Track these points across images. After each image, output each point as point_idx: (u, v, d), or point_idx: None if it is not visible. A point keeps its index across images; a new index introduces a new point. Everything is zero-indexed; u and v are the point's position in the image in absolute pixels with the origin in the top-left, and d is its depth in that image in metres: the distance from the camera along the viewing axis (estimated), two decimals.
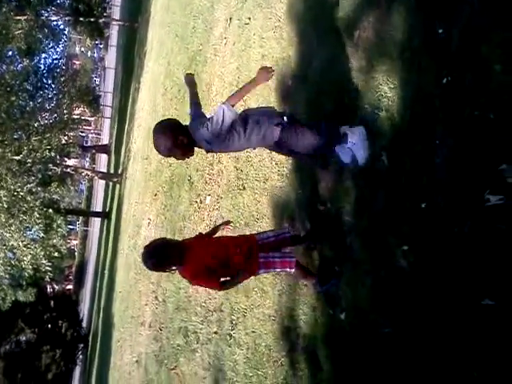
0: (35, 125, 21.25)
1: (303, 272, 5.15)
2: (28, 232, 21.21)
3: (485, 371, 3.27)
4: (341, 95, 5.45)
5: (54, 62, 27.43)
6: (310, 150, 4.82)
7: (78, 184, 53.04)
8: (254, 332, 6.54)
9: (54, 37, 30.31)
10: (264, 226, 6.78)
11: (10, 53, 23.55)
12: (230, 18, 9.90)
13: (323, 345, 5.07)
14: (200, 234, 5.57)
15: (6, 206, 18.75)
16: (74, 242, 69.47)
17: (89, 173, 31.07)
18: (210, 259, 4.76)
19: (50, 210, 21.19)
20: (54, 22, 31.74)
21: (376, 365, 4.29)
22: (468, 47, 3.79)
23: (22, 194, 19.30)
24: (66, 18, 32.05)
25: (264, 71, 4.48)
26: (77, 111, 31.93)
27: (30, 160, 19.99)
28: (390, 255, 4.29)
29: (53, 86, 24.19)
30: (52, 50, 30.57)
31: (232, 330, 7.13)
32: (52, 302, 30.62)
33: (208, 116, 4.63)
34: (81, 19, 31.94)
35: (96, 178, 34.13)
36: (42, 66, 25.72)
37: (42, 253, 20.51)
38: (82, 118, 37.64)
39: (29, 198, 19.66)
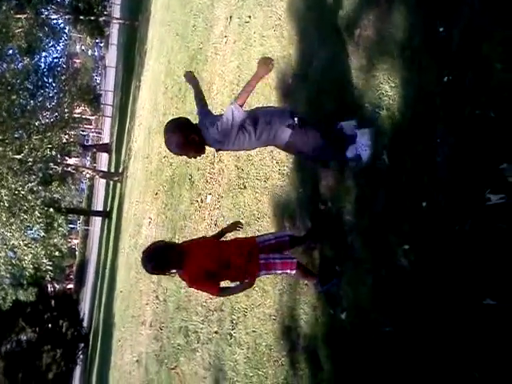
0: (36, 124, 21.22)
1: (304, 273, 5.13)
2: (29, 231, 21.19)
3: (486, 372, 3.26)
4: (341, 94, 5.44)
5: (55, 60, 27.42)
6: (318, 154, 4.84)
7: (78, 183, 53.11)
8: (254, 331, 6.53)
9: (54, 35, 30.23)
10: (265, 225, 6.77)
11: (11, 51, 23.50)
12: (231, 17, 9.89)
13: (324, 344, 5.06)
14: (203, 237, 5.54)
15: (6, 204, 18.73)
16: (75, 241, 69.46)
17: (90, 172, 30.99)
18: (210, 262, 4.75)
19: (51, 209, 21.15)
20: (55, 21, 31.75)
21: (377, 364, 4.29)
22: (469, 46, 3.78)
23: (22, 192, 19.28)
24: (66, 17, 32.05)
25: (263, 64, 4.45)
26: (77, 110, 31.92)
27: (30, 159, 19.98)
28: (390, 254, 4.28)
29: (53, 84, 24.16)
30: (52, 48, 30.57)
31: (232, 329, 7.13)
32: (53, 302, 30.63)
33: (216, 115, 4.64)
34: (81, 18, 31.95)
35: (97, 176, 34.10)
36: (43, 65, 25.70)
37: (43, 252, 20.48)
38: (83, 116, 37.67)
39: (30, 197, 19.64)
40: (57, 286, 46.46)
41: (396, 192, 4.39)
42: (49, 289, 37.36)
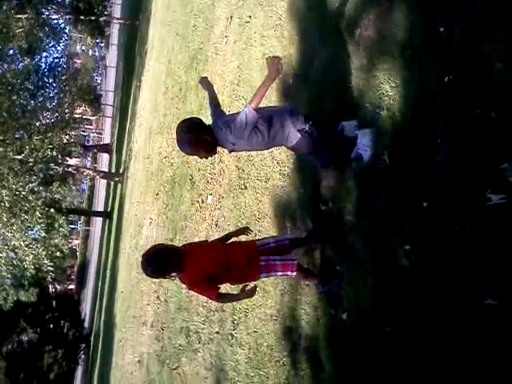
0: (37, 124, 21.23)
1: (305, 274, 5.13)
2: (30, 232, 21.18)
3: (487, 372, 3.26)
4: (342, 94, 5.44)
5: (55, 60, 27.34)
6: (324, 162, 4.91)
7: (79, 183, 53.11)
8: (255, 332, 6.53)
9: (54, 35, 30.23)
10: (266, 225, 6.77)
11: (11, 51, 23.50)
12: (231, 17, 9.89)
13: (325, 345, 5.06)
14: (205, 240, 5.54)
15: (7, 205, 18.72)
16: (76, 242, 69.47)
17: (90, 172, 31.00)
18: (212, 265, 4.75)
19: (52, 210, 21.15)
20: (55, 21, 31.76)
21: (378, 364, 4.28)
22: (469, 45, 3.78)
23: (23, 193, 19.27)
24: (67, 17, 32.06)
25: (272, 64, 4.43)
26: (78, 110, 31.90)
27: (31, 159, 19.96)
28: (391, 254, 4.28)
29: (54, 84, 24.12)
30: (53, 48, 30.52)
31: (234, 329, 7.12)
32: (54, 302, 30.60)
33: (229, 116, 4.67)
34: (81, 18, 31.96)
35: (97, 177, 34.10)
36: (43, 65, 25.65)
37: (44, 252, 20.47)
38: (84, 117, 37.60)
39: (30, 198, 19.63)
40: (58, 287, 46.50)
41: (397, 192, 4.38)
42: (50, 289, 37.38)
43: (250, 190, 7.50)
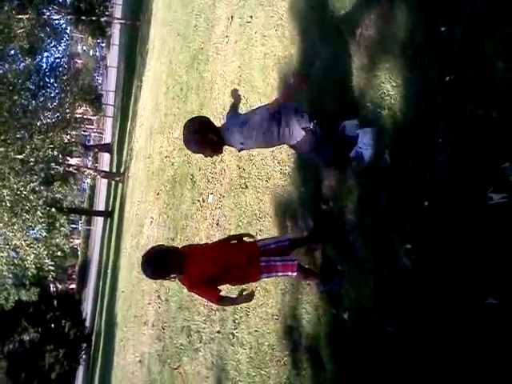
0: (38, 124, 21.23)
1: (305, 274, 5.14)
2: (31, 231, 21.23)
3: (488, 370, 3.26)
4: (343, 94, 5.44)
5: (56, 60, 27.30)
6: (326, 161, 4.94)
7: (80, 183, 53.07)
8: (256, 331, 6.54)
9: (55, 35, 30.24)
10: (267, 224, 6.77)
11: (12, 52, 23.51)
12: (232, 17, 9.89)
13: (326, 344, 5.06)
14: (206, 243, 5.57)
15: (8, 205, 18.74)
16: (77, 241, 69.45)
17: (91, 172, 30.98)
18: (211, 265, 4.75)
19: (53, 209, 21.15)
20: (56, 21, 31.71)
21: (379, 364, 4.28)
22: (471, 45, 3.78)
23: (24, 193, 19.29)
24: (68, 17, 32.01)
25: (299, 77, 4.54)
26: (79, 110, 31.91)
27: (32, 159, 19.99)
28: (393, 254, 4.28)
29: (55, 84, 24.12)
30: (54, 48, 30.54)
31: (235, 329, 7.13)
32: (55, 302, 30.57)
33: (243, 116, 4.73)
34: (82, 18, 31.88)
35: (98, 177, 34.06)
36: (44, 65, 25.64)
37: (45, 252, 20.49)
38: (85, 116, 37.59)
39: (32, 197, 19.65)
40: (59, 286, 46.51)
41: (398, 191, 4.38)
42: (51, 289, 37.34)
43: (250, 190, 7.50)
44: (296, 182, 6.25)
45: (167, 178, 12.89)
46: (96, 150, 49.35)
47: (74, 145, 25.98)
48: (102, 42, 59.94)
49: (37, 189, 20.48)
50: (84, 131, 52.67)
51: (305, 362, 5.36)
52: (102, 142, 55.12)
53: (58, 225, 22.10)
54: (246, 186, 7.65)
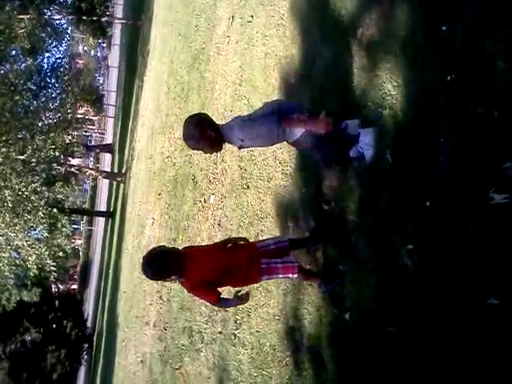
0: (39, 124, 21.26)
1: (306, 275, 5.15)
2: (32, 232, 21.26)
3: (490, 371, 3.25)
4: (344, 93, 5.44)
5: (58, 61, 27.41)
6: (326, 159, 4.96)
7: (82, 183, 53.19)
8: (258, 332, 6.53)
9: (56, 36, 30.28)
10: (268, 225, 6.76)
11: (14, 52, 23.56)
12: (233, 16, 9.89)
13: (328, 344, 5.05)
14: (207, 245, 5.57)
15: (10, 205, 18.76)
16: (79, 242, 69.51)
17: (93, 172, 31.02)
18: (212, 267, 4.75)
19: (55, 210, 21.17)
20: (57, 21, 31.83)
21: (380, 364, 4.28)
22: (472, 44, 3.77)
23: (26, 193, 19.30)
24: (69, 17, 32.08)
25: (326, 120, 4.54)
26: (80, 110, 31.89)
27: (34, 159, 20.00)
28: (394, 254, 4.27)
29: (56, 85, 24.16)
30: (55, 49, 30.62)
31: (236, 329, 7.12)
32: (57, 302, 30.58)
33: (247, 115, 4.78)
34: (84, 18, 31.95)
35: (100, 177, 34.13)
36: (46, 65, 25.73)
37: (47, 252, 20.52)
38: (86, 117, 37.63)
39: (33, 198, 19.66)
40: (61, 287, 46.43)
41: (399, 191, 4.38)
42: (53, 289, 37.32)
43: (252, 190, 7.49)
44: (297, 182, 6.24)
45: (169, 179, 12.89)
46: (97, 150, 49.35)
47: (75, 145, 26.02)
48: (103, 42, 59.91)
49: (38, 189, 20.48)
50: (85, 131, 52.70)
51: (306, 362, 5.36)
52: (104, 143, 55.14)
53: (59, 225, 22.13)
54: (248, 187, 7.65)
